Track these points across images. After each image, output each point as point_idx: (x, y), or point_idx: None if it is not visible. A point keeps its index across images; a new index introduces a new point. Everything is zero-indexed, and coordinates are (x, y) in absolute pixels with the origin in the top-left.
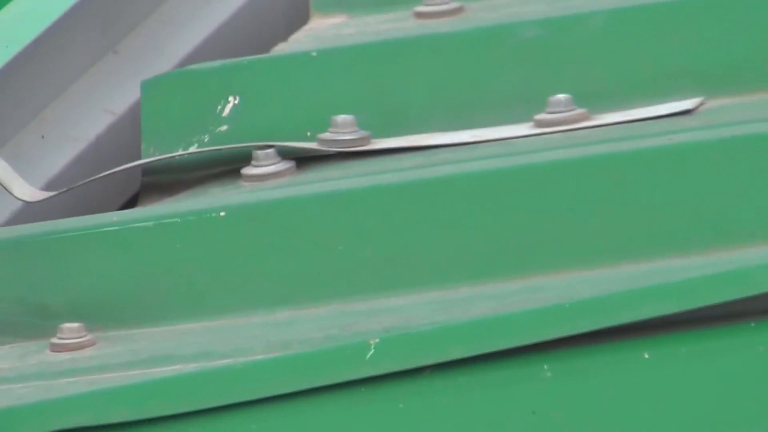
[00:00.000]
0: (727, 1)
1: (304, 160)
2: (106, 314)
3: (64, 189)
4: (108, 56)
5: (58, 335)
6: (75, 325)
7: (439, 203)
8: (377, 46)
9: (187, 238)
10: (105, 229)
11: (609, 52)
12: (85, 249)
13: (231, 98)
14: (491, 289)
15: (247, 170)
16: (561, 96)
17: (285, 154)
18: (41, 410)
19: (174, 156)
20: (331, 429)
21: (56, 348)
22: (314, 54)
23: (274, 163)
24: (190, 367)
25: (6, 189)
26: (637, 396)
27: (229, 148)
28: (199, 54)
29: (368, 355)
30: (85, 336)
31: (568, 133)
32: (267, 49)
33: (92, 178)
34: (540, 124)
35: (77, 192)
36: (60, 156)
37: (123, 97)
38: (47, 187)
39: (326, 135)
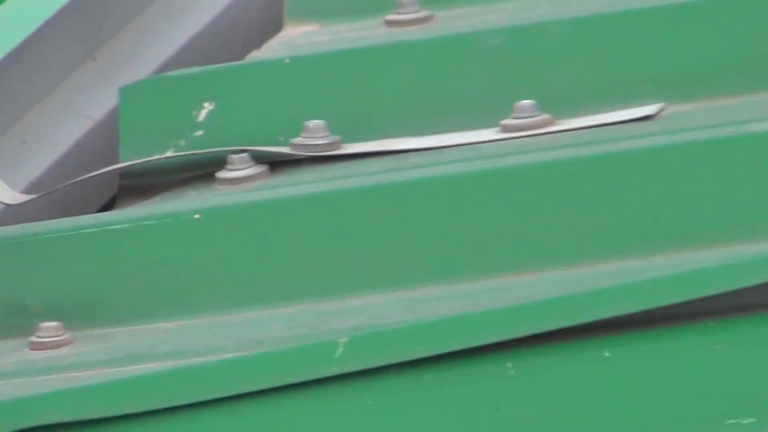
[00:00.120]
0: (687, 10)
1: (276, 164)
2: (83, 313)
3: (45, 192)
4: (87, 63)
5: (37, 334)
6: (53, 324)
7: (407, 206)
8: (348, 54)
9: (162, 239)
10: (83, 230)
11: (573, 60)
12: (64, 250)
13: (206, 104)
14: (457, 289)
15: (221, 174)
16: (526, 102)
17: (258, 158)
18: (20, 406)
19: (151, 160)
20: (301, 425)
21: (35, 346)
22: (287, 61)
23: (247, 167)
24: (165, 365)
25: None
26: (597, 393)
27: (205, 152)
28: (176, 61)
29: (337, 354)
30: (63, 335)
31: (533, 137)
32: (241, 57)
33: (71, 181)
34: (506, 129)
35: (57, 195)
36: (41, 160)
37: (101, 102)
38: (28, 190)
39: (298, 140)
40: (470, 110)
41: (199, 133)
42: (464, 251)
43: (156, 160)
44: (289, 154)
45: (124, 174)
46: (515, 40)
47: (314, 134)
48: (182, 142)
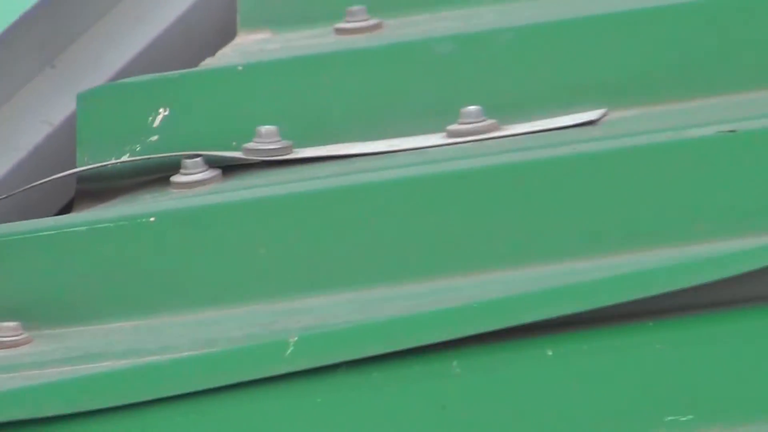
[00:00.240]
0: (627, 20)
1: (229, 168)
2: (41, 314)
3: (4, 195)
4: (46, 70)
5: None
6: (12, 323)
7: (356, 209)
8: (299, 61)
9: (118, 242)
10: (42, 233)
11: (518, 67)
12: (23, 252)
13: (161, 110)
14: (404, 290)
15: (176, 178)
16: (472, 107)
17: (212, 162)
18: None
19: (107, 164)
20: (253, 423)
21: None
22: (240, 68)
23: (201, 172)
24: (121, 363)
25: None
26: (541, 391)
27: (159, 157)
28: (132, 68)
29: (287, 353)
30: (22, 334)
31: (479, 142)
32: (196, 64)
33: (30, 185)
34: (452, 134)
35: (16, 198)
36: (1, 164)
37: (60, 108)
38: None
39: (251, 145)
40: (418, 116)
41: (155, 138)
42: (412, 253)
43: (112, 164)
44: (241, 159)
45: (82, 178)
46: (461, 48)
47: (266, 139)
48: (138, 147)
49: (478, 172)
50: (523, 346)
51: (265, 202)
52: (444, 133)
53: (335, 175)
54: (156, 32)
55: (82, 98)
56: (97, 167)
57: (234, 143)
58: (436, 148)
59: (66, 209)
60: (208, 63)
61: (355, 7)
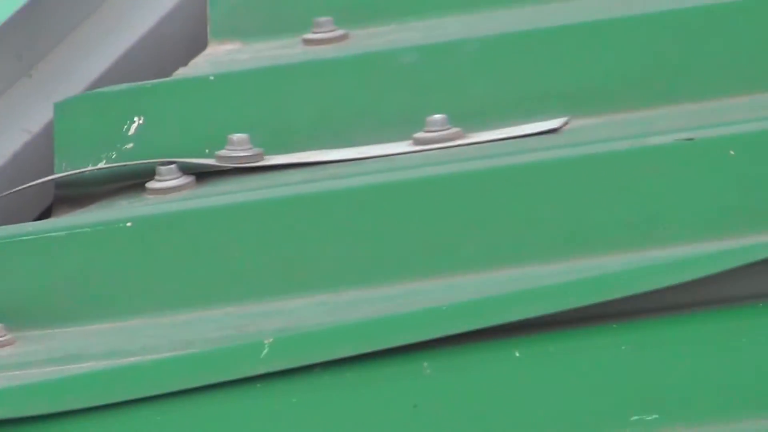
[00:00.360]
0: (589, 30)
1: (203, 175)
2: (24, 316)
3: None
4: (23, 80)
5: None
6: None
7: (326, 215)
8: (269, 71)
9: (96, 246)
10: (22, 238)
11: (481, 76)
12: (4, 256)
13: (136, 118)
14: (375, 292)
15: (151, 184)
16: (437, 116)
17: (185, 169)
18: None
19: (84, 171)
20: (230, 422)
21: None
22: (212, 78)
23: (175, 178)
24: (101, 364)
25: None
26: (508, 391)
27: (135, 164)
28: (107, 78)
29: (263, 354)
30: (5, 335)
31: (444, 150)
32: (169, 73)
33: (10, 191)
34: (418, 141)
35: None
36: None
37: (38, 117)
38: None
39: (223, 152)
40: (385, 124)
41: (130, 145)
42: (381, 257)
43: (89, 171)
44: (214, 166)
45: (60, 184)
46: (427, 58)
47: (238, 147)
48: (114, 154)
49: (444, 179)
50: (491, 347)
51: (238, 208)
52: (410, 141)
53: (305, 181)
54: (130, 42)
55: (59, 107)
56: (75, 174)
57: (207, 151)
58: (403, 155)
59: (45, 214)
60: (181, 73)
61: (322, 19)
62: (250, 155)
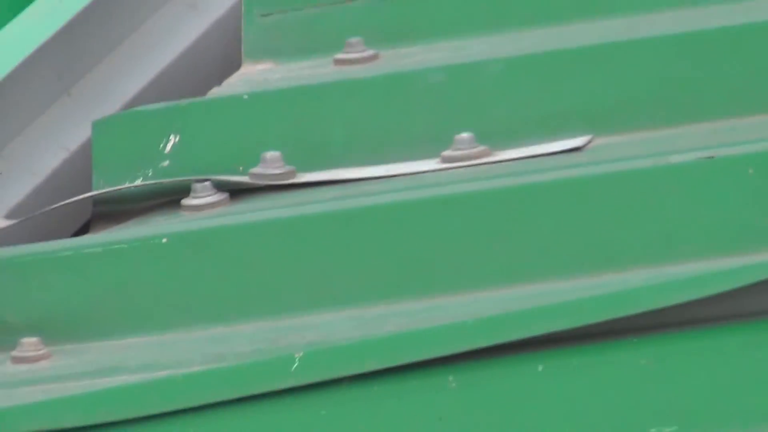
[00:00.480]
0: (612, 50)
1: (237, 192)
2: (60, 330)
3: (24, 218)
4: (63, 99)
5: (18, 349)
6: (33, 339)
7: (356, 231)
8: (301, 90)
9: (133, 261)
10: (60, 254)
11: (508, 95)
12: (43, 271)
13: (172, 137)
14: (403, 307)
15: (186, 201)
16: (465, 134)
17: (220, 186)
18: (2, 416)
19: (121, 188)
20: None
21: (16, 360)
22: (245, 97)
23: (210, 195)
24: (135, 377)
25: None
26: (531, 403)
27: (170, 181)
28: (144, 97)
29: (293, 367)
30: (42, 349)
31: (472, 168)
32: (204, 93)
33: (49, 207)
34: (446, 159)
35: (36, 220)
36: (20, 188)
37: (76, 135)
38: (9, 216)
39: (256, 170)
40: (414, 142)
41: (166, 163)
42: (410, 272)
43: (126, 188)
44: (248, 183)
45: (97, 201)
46: (454, 78)
47: (271, 164)
48: (150, 172)
49: (471, 196)
50: (515, 361)
51: (270, 224)
52: (438, 159)
53: (336, 198)
54: (166, 62)
55: (97, 125)
56: (112, 191)
57: (240, 168)
58: (431, 172)
59: (83, 230)
60: (215, 92)
61: (353, 39)
62: (283, 173)
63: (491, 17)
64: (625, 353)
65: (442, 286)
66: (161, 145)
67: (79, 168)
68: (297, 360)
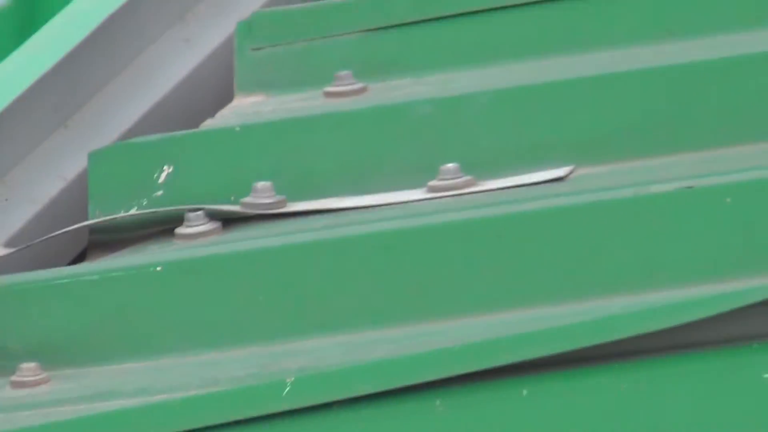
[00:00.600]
0: (595, 82)
1: (229, 221)
2: (59, 355)
3: (23, 246)
4: (61, 130)
5: (17, 374)
6: (32, 364)
7: (345, 259)
8: (292, 122)
9: (128, 289)
10: (58, 281)
11: (492, 127)
12: (42, 298)
13: (166, 167)
14: (391, 333)
15: (180, 230)
16: (450, 165)
17: (212, 216)
18: None
19: (117, 217)
20: None
21: (16, 385)
22: (237, 129)
23: (203, 224)
24: (132, 401)
25: None
26: (516, 427)
27: (165, 210)
28: (139, 128)
29: (285, 392)
30: (41, 374)
31: (457, 197)
32: (197, 124)
33: (47, 236)
34: (433, 189)
35: (34, 248)
36: (20, 216)
37: (73, 165)
38: (9, 244)
39: (248, 199)
40: (401, 172)
41: (160, 193)
42: (398, 299)
43: (122, 217)
44: (240, 212)
45: (94, 230)
46: (440, 110)
47: (262, 194)
48: (145, 201)
49: (457, 225)
50: (500, 385)
51: (262, 253)
52: (425, 189)
53: (326, 227)
54: (160, 95)
55: (93, 156)
56: (108, 220)
57: (233, 198)
58: (418, 202)
59: (80, 258)
60: (209, 124)
61: (342, 72)
62: (274, 202)
63: (477, 51)
64: (608, 378)
65: (430, 313)
66: (155, 176)
67: (76, 197)
68: (289, 384)
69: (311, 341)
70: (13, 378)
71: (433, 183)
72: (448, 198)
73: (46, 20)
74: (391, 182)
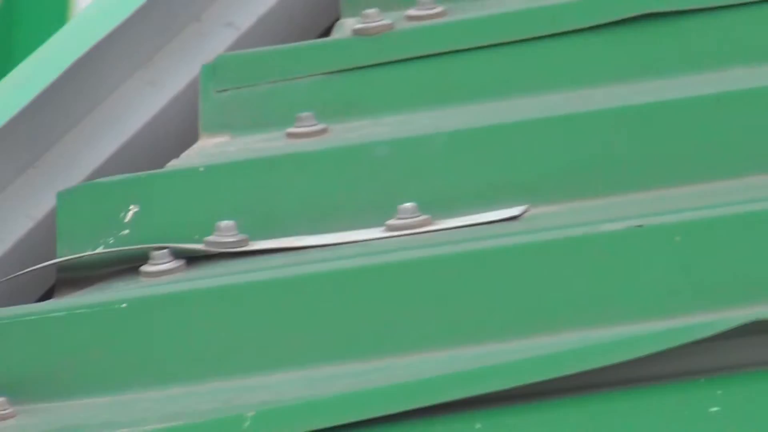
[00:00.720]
0: (548, 124)
1: (193, 259)
2: (26, 390)
3: None
4: (29, 170)
5: None
6: (0, 399)
7: (306, 296)
8: (254, 163)
9: (94, 325)
10: (26, 318)
11: (449, 167)
12: (8, 335)
13: (132, 207)
14: (350, 368)
15: (145, 268)
16: (408, 204)
17: (177, 254)
18: None
19: (84, 255)
20: None
21: None
22: (201, 169)
23: (167, 262)
24: None
25: None
26: None
27: (130, 249)
28: (106, 169)
29: (245, 425)
30: (7, 409)
31: (415, 236)
32: (162, 165)
33: (15, 274)
34: (391, 228)
35: (2, 286)
36: None
37: (42, 205)
38: None
39: (211, 238)
40: (360, 212)
41: (126, 232)
42: (356, 335)
43: (89, 255)
44: (203, 251)
45: (61, 268)
46: (399, 150)
47: (225, 233)
48: (111, 240)
49: (413, 263)
50: (455, 419)
51: (225, 290)
52: (383, 227)
53: (287, 265)
54: (127, 137)
55: (61, 196)
56: (75, 258)
57: (196, 237)
58: (377, 240)
59: (48, 295)
60: (174, 164)
61: (304, 114)
62: (236, 241)
63: (434, 93)
64: (558, 412)
65: (387, 348)
66: (122, 215)
67: (44, 236)
68: (249, 419)
69: (272, 376)
70: None
71: (391, 222)
72: (405, 236)
73: (14, 64)
74: (350, 221)
